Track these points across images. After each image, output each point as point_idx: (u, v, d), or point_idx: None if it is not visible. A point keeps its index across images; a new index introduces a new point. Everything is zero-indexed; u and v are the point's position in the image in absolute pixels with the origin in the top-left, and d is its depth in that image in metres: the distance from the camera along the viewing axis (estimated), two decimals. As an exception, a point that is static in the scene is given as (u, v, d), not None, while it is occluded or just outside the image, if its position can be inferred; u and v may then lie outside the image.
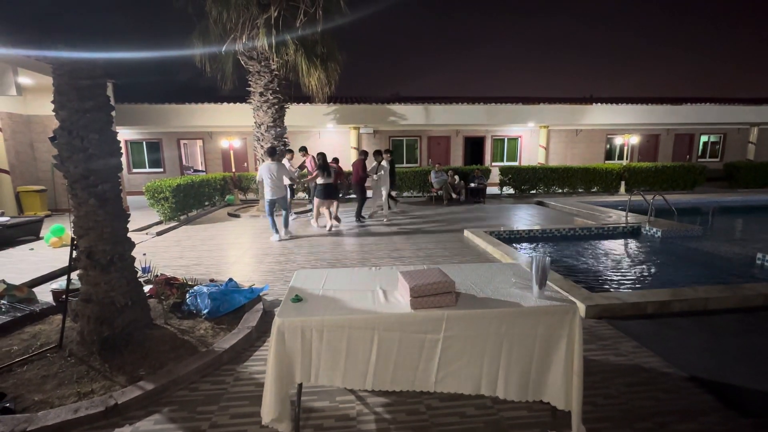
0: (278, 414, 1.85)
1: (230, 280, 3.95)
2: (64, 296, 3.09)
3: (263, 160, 9.58)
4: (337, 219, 7.84)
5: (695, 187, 13.22)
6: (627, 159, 15.47)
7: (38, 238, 6.77)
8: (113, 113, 3.02)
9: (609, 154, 17.46)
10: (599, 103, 14.80)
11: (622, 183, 12.86)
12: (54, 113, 2.76)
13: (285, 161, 9.24)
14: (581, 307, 3.43)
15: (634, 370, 2.62)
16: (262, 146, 9.58)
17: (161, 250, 6.16)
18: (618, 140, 17.04)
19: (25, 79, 8.32)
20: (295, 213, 9.24)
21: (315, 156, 8.04)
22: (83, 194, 2.79)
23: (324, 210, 7.63)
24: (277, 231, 6.71)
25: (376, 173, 8.31)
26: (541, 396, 1.96)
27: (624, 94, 18.42)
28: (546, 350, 1.92)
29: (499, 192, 13.03)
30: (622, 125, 15.46)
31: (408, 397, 2.33)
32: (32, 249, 6.09)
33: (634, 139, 15.05)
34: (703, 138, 17.90)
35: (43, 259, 5.49)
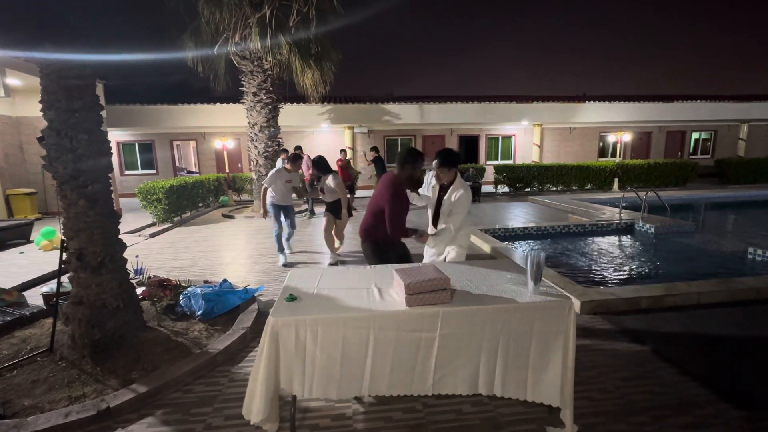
0: (267, 414, 1.83)
1: (224, 281, 3.91)
2: (54, 299, 3.04)
3: (258, 163, 9.52)
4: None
5: (687, 183, 13.35)
6: (620, 156, 15.59)
7: (28, 242, 6.67)
8: (103, 113, 2.98)
9: (602, 152, 17.56)
10: (592, 101, 14.88)
11: (616, 180, 12.95)
12: (42, 113, 2.71)
13: (279, 162, 9.18)
14: (576, 303, 3.44)
15: (628, 365, 2.63)
16: (255, 147, 9.53)
17: (155, 251, 6.09)
18: (611, 138, 17.14)
19: (13, 81, 8.19)
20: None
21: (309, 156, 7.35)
22: (73, 195, 2.74)
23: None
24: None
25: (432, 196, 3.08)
26: (541, 397, 1.94)
27: (616, 92, 18.57)
28: (543, 348, 1.91)
29: (493, 190, 13.06)
30: (614, 123, 15.56)
31: (404, 395, 2.32)
32: (22, 252, 6.00)
33: (627, 137, 15.18)
34: (695, 135, 18.07)
35: (34, 262, 5.40)
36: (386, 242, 2.80)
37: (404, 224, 2.75)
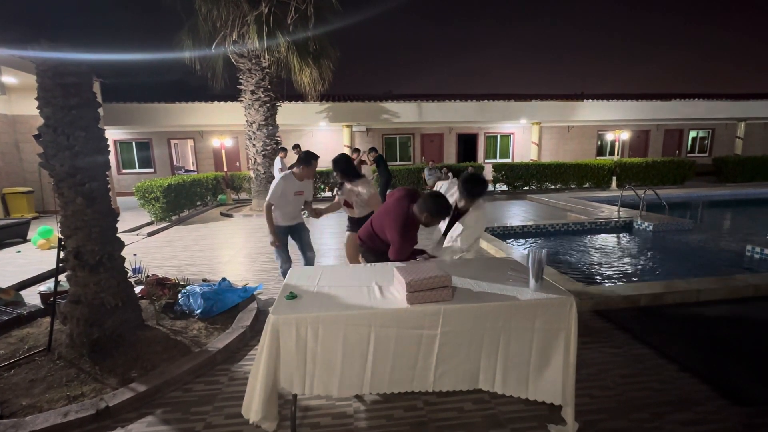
0: (266, 412, 1.83)
1: (223, 279, 3.90)
2: (52, 298, 3.02)
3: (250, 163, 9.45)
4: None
5: (685, 181, 13.39)
6: (618, 154, 15.62)
7: (25, 240, 6.64)
8: (100, 111, 2.96)
9: (600, 150, 17.60)
10: (590, 100, 14.90)
11: (614, 178, 12.98)
12: (38, 110, 2.69)
13: (277, 161, 9.12)
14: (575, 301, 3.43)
15: (628, 362, 2.63)
16: (254, 145, 9.50)
17: (153, 250, 6.07)
18: (609, 136, 17.18)
19: (9, 78, 8.14)
20: None
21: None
22: (70, 193, 2.72)
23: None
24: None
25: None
26: (542, 395, 1.94)
27: (614, 91, 18.61)
28: (544, 345, 1.91)
29: (492, 189, 13.07)
30: (612, 121, 15.60)
31: (405, 393, 2.31)
32: (19, 251, 5.96)
33: (625, 135, 15.22)
34: (692, 133, 18.13)
35: (30, 261, 5.37)
36: (386, 251, 2.61)
37: (408, 255, 2.59)
